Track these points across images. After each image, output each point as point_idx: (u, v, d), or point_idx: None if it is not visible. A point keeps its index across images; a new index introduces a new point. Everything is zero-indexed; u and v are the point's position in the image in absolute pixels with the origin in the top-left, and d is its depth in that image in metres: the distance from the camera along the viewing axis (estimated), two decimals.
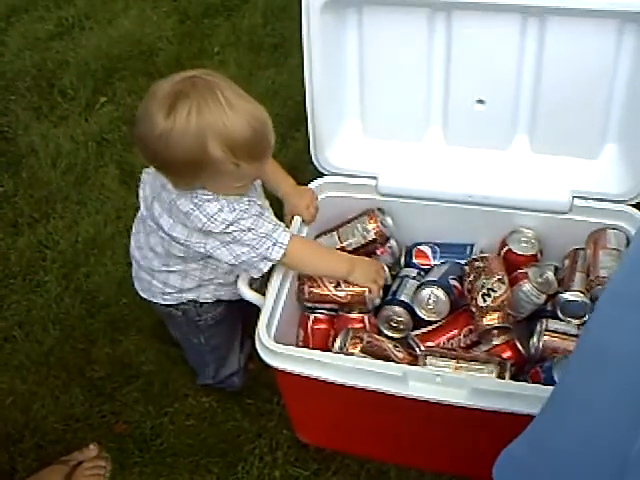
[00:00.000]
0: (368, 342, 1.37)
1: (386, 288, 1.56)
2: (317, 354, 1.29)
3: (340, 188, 1.59)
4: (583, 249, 1.51)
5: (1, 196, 2.21)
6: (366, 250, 1.59)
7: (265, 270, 1.32)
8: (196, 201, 1.25)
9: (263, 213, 1.31)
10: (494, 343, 1.41)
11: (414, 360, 1.36)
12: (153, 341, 1.79)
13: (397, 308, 1.51)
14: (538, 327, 1.42)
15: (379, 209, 1.60)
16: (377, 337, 1.42)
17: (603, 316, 0.77)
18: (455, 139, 1.54)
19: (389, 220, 1.60)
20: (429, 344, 1.45)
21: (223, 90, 1.18)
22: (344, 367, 1.25)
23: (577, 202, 1.48)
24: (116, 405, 1.70)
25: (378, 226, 1.57)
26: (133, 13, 2.80)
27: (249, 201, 1.29)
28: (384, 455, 1.54)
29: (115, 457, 1.61)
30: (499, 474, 0.88)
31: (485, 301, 1.41)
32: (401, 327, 1.51)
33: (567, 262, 1.53)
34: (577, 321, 1.43)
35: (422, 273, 1.59)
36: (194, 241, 1.29)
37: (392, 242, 1.63)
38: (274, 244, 1.29)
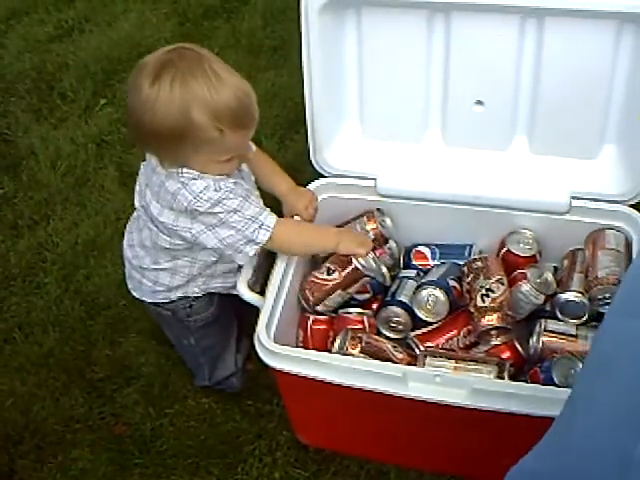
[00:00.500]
0: (367, 342, 1.37)
1: (385, 289, 1.57)
2: (316, 355, 1.29)
3: (339, 189, 1.59)
4: (582, 250, 1.51)
5: (1, 198, 2.21)
6: None
7: (251, 254, 1.31)
8: (182, 179, 1.25)
9: (249, 196, 1.30)
10: (493, 343, 1.41)
11: (413, 360, 1.36)
12: (153, 343, 1.79)
13: (396, 309, 1.51)
14: (537, 327, 1.42)
15: (378, 210, 1.60)
16: (376, 338, 1.42)
17: (607, 328, 0.78)
18: (454, 140, 1.54)
19: (388, 221, 1.60)
20: (428, 344, 1.45)
21: (211, 63, 1.19)
22: (343, 368, 1.25)
23: (576, 203, 1.48)
24: (116, 407, 1.70)
25: (377, 227, 1.58)
26: (133, 15, 2.81)
27: (235, 182, 1.29)
28: (384, 456, 1.54)
29: (115, 459, 1.61)
30: None
31: (484, 302, 1.41)
32: (400, 328, 1.51)
33: (566, 263, 1.53)
34: (576, 321, 1.43)
35: (421, 274, 1.59)
36: (181, 225, 1.29)
37: (391, 243, 1.63)
38: (260, 226, 1.29)
